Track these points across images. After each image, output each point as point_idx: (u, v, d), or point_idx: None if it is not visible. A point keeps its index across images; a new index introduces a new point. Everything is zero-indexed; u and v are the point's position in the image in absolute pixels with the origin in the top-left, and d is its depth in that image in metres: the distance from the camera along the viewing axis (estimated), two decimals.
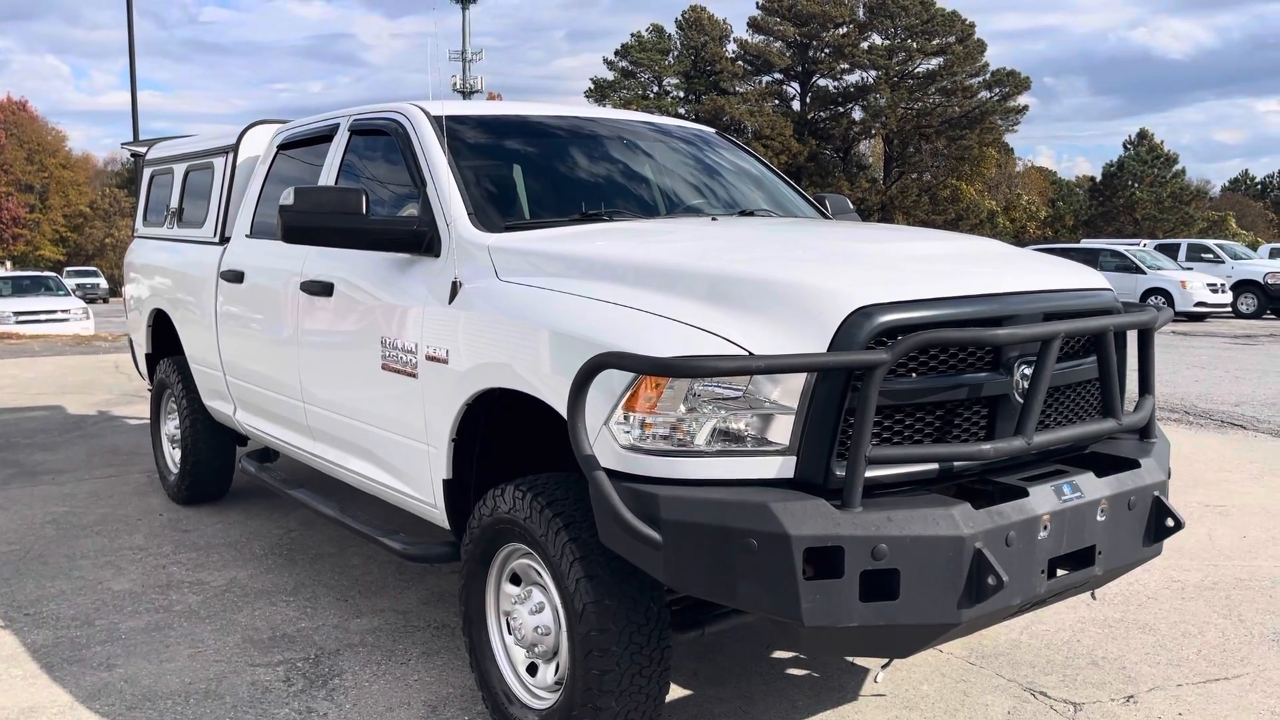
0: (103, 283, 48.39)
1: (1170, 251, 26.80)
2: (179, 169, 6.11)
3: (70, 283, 28.45)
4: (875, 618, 2.41)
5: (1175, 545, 4.65)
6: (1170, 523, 2.92)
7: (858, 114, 56.80)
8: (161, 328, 6.09)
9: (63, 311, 21.40)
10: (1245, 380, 11.68)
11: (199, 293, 5.35)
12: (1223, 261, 25.75)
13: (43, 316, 20.83)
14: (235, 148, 5.40)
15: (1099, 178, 62.56)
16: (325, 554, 5.01)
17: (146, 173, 6.73)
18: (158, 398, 6.18)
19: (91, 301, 32.90)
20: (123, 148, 9.16)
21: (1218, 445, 7.78)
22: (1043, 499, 2.61)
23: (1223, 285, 23.70)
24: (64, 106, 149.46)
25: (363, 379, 3.77)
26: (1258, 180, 79.36)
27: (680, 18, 58.69)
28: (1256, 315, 24.35)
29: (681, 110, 54.61)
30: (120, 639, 3.94)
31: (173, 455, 6.05)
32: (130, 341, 6.80)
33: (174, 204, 6.06)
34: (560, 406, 2.70)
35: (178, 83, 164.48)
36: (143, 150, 6.93)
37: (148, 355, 6.35)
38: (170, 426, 6.09)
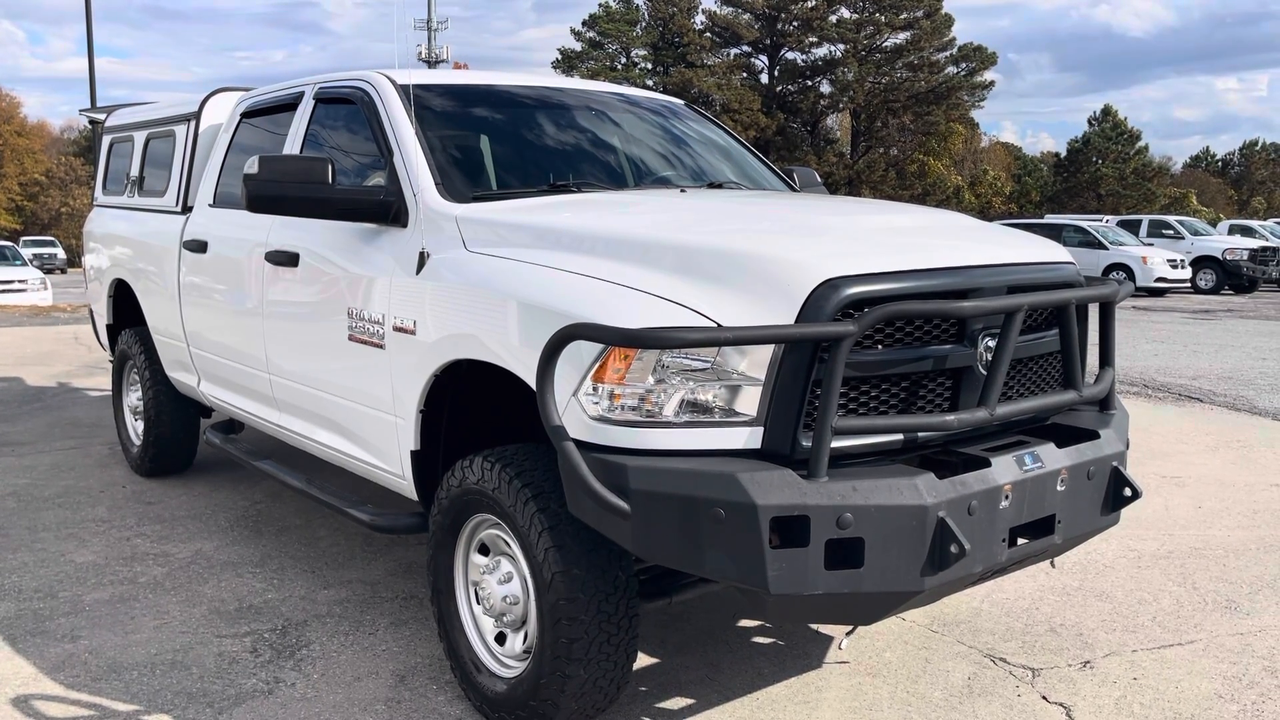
0: (60, 253, 47.49)
1: (1132, 227, 27.15)
2: (139, 137, 6.00)
3: (27, 252, 27.81)
4: (840, 585, 2.44)
5: (1132, 515, 4.75)
6: (1128, 492, 2.99)
7: (825, 88, 56.71)
8: (123, 298, 6.00)
9: (20, 282, 20.93)
10: (1203, 354, 11.89)
11: (161, 263, 5.27)
12: (1183, 238, 26.14)
13: None
14: (197, 115, 5.31)
15: (1063, 154, 63.06)
16: (292, 526, 4.99)
17: (106, 140, 6.61)
18: (119, 369, 6.11)
19: (49, 272, 32.24)
20: (81, 114, 9.03)
21: (1175, 418, 7.93)
22: (1005, 469, 2.66)
23: (1182, 261, 24.05)
24: (19, 73, 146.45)
25: (329, 350, 3.75)
26: (1218, 157, 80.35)
27: None
28: (1215, 291, 24.77)
29: (649, 82, 54.25)
30: (84, 611, 3.91)
31: (135, 427, 5.99)
32: (91, 312, 6.70)
33: (134, 172, 5.96)
34: (528, 378, 2.71)
35: (136, 49, 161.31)
36: (101, 117, 6.80)
37: (109, 326, 6.27)
38: (133, 398, 6.02)
